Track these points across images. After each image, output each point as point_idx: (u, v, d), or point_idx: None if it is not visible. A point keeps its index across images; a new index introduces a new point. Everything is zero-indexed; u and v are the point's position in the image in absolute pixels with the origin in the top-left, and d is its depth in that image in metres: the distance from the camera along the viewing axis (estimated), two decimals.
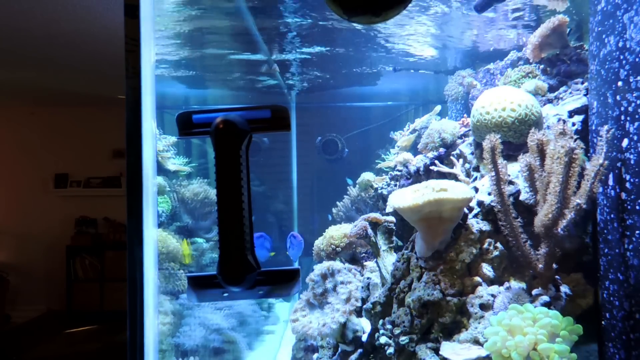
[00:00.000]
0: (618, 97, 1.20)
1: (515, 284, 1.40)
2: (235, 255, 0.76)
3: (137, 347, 0.97)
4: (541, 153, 1.29)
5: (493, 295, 1.39)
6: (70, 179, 5.65)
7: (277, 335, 2.86)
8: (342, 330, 1.72)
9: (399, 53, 2.44)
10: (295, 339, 2.08)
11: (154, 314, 1.02)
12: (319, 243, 2.27)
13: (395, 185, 2.33)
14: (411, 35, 2.17)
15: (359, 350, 1.70)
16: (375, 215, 1.85)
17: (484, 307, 1.38)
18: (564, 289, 1.32)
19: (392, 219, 1.87)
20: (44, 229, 5.55)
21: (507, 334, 1.19)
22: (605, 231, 1.27)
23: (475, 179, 1.75)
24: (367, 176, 2.63)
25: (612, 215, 1.23)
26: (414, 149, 2.41)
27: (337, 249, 2.16)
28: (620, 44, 1.20)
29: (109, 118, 4.99)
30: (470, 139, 1.91)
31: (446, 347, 1.35)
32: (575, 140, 1.22)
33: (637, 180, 1.14)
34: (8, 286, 5.33)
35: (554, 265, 1.33)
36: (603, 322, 1.27)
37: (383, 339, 1.54)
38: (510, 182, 1.46)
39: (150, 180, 1.02)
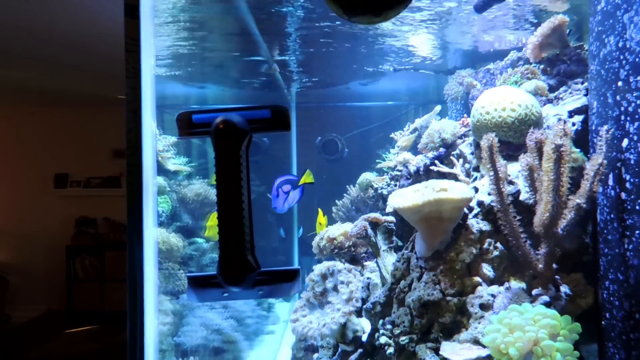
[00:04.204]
0: (618, 97, 1.20)
1: (515, 284, 1.40)
2: (235, 255, 0.76)
3: (137, 347, 0.97)
4: (540, 152, 1.29)
5: (493, 295, 1.39)
6: (70, 179, 5.65)
7: (277, 335, 2.86)
8: (342, 330, 1.72)
9: (399, 53, 2.44)
10: (295, 339, 2.08)
11: (154, 314, 1.02)
12: (318, 242, 2.27)
13: (395, 185, 2.32)
14: (411, 35, 2.17)
15: (359, 350, 1.70)
16: (375, 215, 1.85)
17: (484, 307, 1.38)
18: (564, 289, 1.32)
19: (392, 219, 1.87)
20: (44, 229, 5.55)
21: (508, 332, 1.20)
22: (605, 231, 1.27)
23: (475, 179, 1.75)
24: (367, 176, 2.63)
25: (612, 215, 1.23)
26: (414, 149, 2.40)
27: (343, 249, 2.14)
28: (620, 44, 1.20)
29: (109, 118, 4.99)
30: (470, 139, 1.91)
31: (446, 347, 1.35)
32: (561, 137, 1.22)
33: (637, 180, 1.14)
34: (8, 286, 5.33)
35: (554, 265, 1.33)
36: (603, 322, 1.27)
37: (383, 339, 1.54)
38: (510, 182, 1.46)
39: (150, 180, 1.02)
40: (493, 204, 1.38)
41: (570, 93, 1.67)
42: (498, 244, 1.46)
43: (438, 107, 2.51)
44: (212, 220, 2.43)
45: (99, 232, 5.62)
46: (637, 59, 1.14)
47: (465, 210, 1.52)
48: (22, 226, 5.57)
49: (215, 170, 0.77)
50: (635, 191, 1.14)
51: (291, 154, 3.65)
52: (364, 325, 1.77)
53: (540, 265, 1.31)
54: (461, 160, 1.89)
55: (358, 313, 1.74)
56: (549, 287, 1.32)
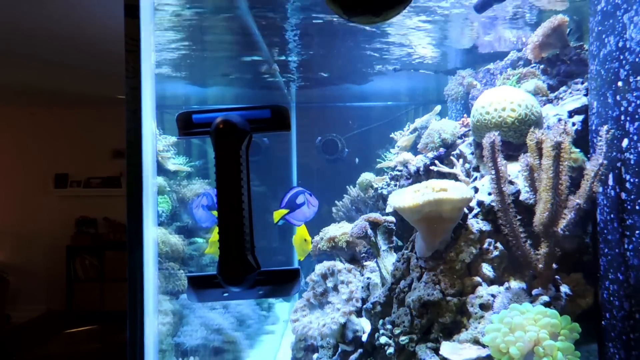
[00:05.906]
0: (618, 97, 1.20)
1: (515, 284, 1.40)
2: (235, 255, 0.76)
3: (137, 347, 0.97)
4: (540, 152, 1.29)
5: (493, 295, 1.39)
6: (70, 179, 5.65)
7: (277, 335, 2.86)
8: (342, 330, 1.72)
9: (399, 53, 2.44)
10: (295, 338, 2.08)
11: (154, 314, 1.02)
12: (317, 242, 2.27)
13: (395, 185, 2.32)
14: (411, 35, 2.17)
15: (359, 350, 1.70)
16: (375, 215, 1.85)
17: (484, 307, 1.38)
18: (564, 289, 1.32)
19: (392, 219, 1.87)
20: (44, 229, 5.55)
21: (508, 331, 1.20)
22: (605, 231, 1.27)
23: (475, 179, 1.75)
24: (367, 176, 2.63)
25: (612, 215, 1.23)
26: (414, 149, 2.40)
27: (344, 246, 2.13)
28: (620, 44, 1.20)
29: (109, 118, 4.99)
30: (470, 139, 1.91)
31: (446, 347, 1.35)
32: (560, 134, 1.22)
33: (637, 180, 1.14)
34: (8, 286, 5.33)
35: (554, 265, 1.33)
36: (603, 322, 1.27)
37: (383, 339, 1.54)
38: (510, 182, 1.46)
39: (150, 180, 1.02)
40: (493, 203, 1.38)
41: (570, 93, 1.67)
42: (498, 244, 1.46)
43: (438, 107, 2.51)
44: (216, 236, 2.41)
45: (99, 232, 5.62)
46: (637, 59, 1.14)
47: (465, 210, 1.52)
48: (22, 226, 5.57)
49: (215, 170, 0.77)
50: (635, 191, 1.14)
51: (291, 153, 3.65)
52: (364, 325, 1.76)
53: (540, 265, 1.31)
54: (461, 160, 1.89)
55: (358, 313, 1.74)
56: (549, 287, 1.32)
